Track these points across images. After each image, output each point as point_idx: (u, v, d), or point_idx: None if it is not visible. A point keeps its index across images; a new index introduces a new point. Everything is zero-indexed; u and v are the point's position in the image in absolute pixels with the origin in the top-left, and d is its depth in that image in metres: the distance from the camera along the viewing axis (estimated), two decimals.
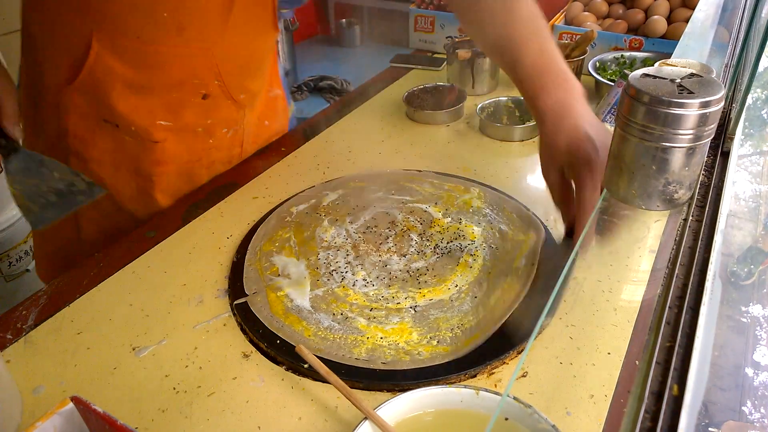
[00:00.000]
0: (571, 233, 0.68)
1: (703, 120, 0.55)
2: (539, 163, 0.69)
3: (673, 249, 0.68)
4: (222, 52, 0.81)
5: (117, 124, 0.79)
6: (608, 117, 0.92)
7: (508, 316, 0.60)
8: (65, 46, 0.75)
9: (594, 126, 0.62)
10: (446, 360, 0.57)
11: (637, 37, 1.18)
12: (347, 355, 0.58)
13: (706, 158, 0.75)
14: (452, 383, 0.55)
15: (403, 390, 0.50)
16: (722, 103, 0.56)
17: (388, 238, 0.74)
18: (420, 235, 0.75)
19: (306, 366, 0.56)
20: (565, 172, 0.65)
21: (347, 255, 0.71)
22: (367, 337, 0.60)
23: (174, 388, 0.57)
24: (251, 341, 0.62)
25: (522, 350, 0.59)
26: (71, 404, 0.41)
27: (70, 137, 0.80)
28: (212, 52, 0.80)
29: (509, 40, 0.67)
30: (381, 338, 0.60)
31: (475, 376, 0.56)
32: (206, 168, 0.91)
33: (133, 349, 0.61)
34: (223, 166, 0.94)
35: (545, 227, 0.75)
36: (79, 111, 0.79)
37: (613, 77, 1.11)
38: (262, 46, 0.89)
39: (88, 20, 0.73)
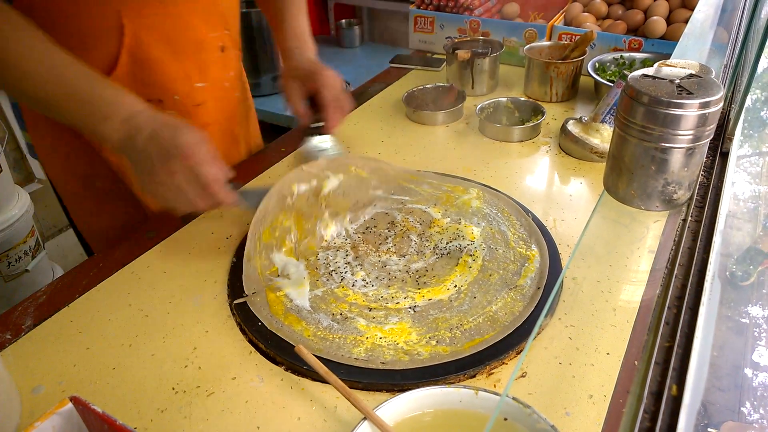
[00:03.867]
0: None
1: (702, 120, 0.55)
2: (539, 163, 0.69)
3: (672, 249, 0.68)
4: (226, 1, 0.88)
5: (161, 99, 0.83)
6: (607, 117, 0.92)
7: (511, 331, 0.60)
8: (98, 38, 0.76)
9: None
10: (445, 360, 0.57)
11: (636, 38, 1.18)
12: (346, 355, 0.58)
13: (705, 159, 0.75)
14: (451, 383, 0.55)
15: (402, 390, 0.50)
16: (721, 104, 0.56)
17: (387, 238, 0.74)
18: (419, 235, 0.75)
19: (305, 367, 0.56)
20: (303, 87, 0.85)
21: (347, 255, 0.71)
22: (366, 337, 0.60)
23: (173, 388, 0.57)
24: (250, 341, 0.62)
25: (521, 350, 0.59)
26: (70, 404, 0.41)
27: None
28: (219, 3, 0.87)
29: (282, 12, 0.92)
30: (380, 338, 0.60)
31: (474, 376, 0.56)
32: (241, 126, 1.00)
33: (132, 349, 0.61)
34: (254, 125, 1.06)
35: (544, 232, 0.75)
36: None
37: (613, 78, 1.12)
38: None
39: (115, 1, 0.74)
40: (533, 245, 0.72)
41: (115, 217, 0.91)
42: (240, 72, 0.98)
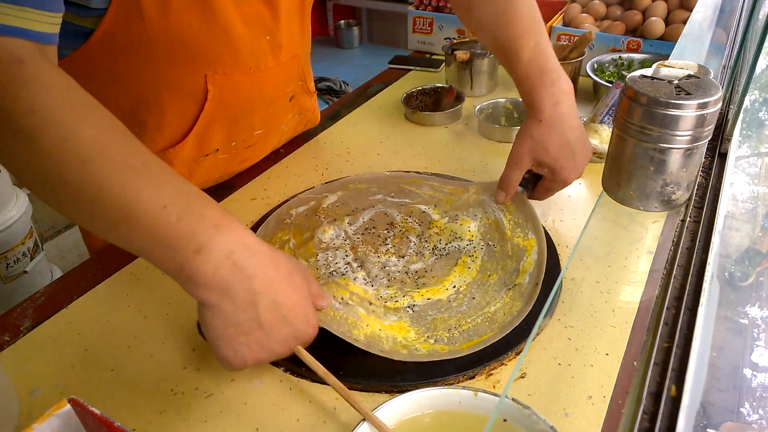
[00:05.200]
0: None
1: (700, 121, 0.55)
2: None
3: (671, 250, 0.68)
4: (303, 53, 0.87)
5: (218, 149, 0.83)
6: (606, 118, 0.92)
7: (509, 332, 0.60)
8: (180, 99, 0.75)
9: (576, 130, 0.70)
10: (443, 358, 0.57)
11: (634, 39, 1.18)
12: (347, 333, 0.58)
13: (703, 159, 0.75)
14: (450, 384, 0.55)
15: (402, 391, 0.50)
16: (720, 105, 0.56)
17: (386, 239, 0.74)
18: (418, 236, 0.75)
19: (304, 368, 0.56)
20: (535, 167, 0.72)
21: (346, 256, 0.71)
22: (366, 324, 0.60)
23: (172, 390, 0.57)
24: None
25: (520, 351, 0.59)
26: (68, 406, 0.41)
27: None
28: (299, 57, 0.85)
29: (507, 38, 0.72)
30: (379, 329, 0.60)
31: (473, 377, 0.56)
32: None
33: (131, 351, 0.61)
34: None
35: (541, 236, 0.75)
36: (183, 158, 0.80)
37: (611, 79, 1.12)
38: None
39: (202, 66, 0.72)
40: (530, 233, 0.72)
41: None
42: (304, 111, 0.98)
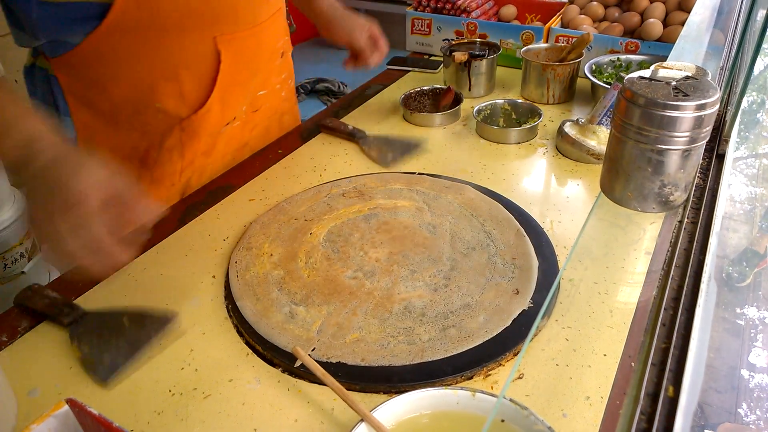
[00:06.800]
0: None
1: (698, 122, 0.56)
2: (535, 165, 0.69)
3: (668, 251, 0.68)
4: (282, 8, 0.95)
5: (235, 118, 0.92)
6: (604, 120, 0.92)
7: (508, 333, 0.60)
8: (194, 66, 0.80)
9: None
10: (440, 357, 0.57)
11: (633, 40, 1.18)
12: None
13: (701, 161, 0.75)
14: (448, 385, 0.55)
15: (400, 392, 0.50)
16: (717, 106, 0.56)
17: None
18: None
19: (302, 367, 0.56)
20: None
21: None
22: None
23: (170, 391, 0.57)
24: (247, 343, 0.62)
25: (518, 352, 0.59)
26: (66, 407, 0.41)
27: (199, 155, 0.90)
28: (282, 11, 0.94)
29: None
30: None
31: (471, 377, 0.56)
32: (281, 125, 1.09)
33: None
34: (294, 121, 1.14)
35: (541, 233, 0.75)
36: (208, 129, 0.87)
37: (609, 80, 1.12)
38: None
39: (209, 31, 0.78)
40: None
41: None
42: (290, 73, 1.06)
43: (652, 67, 0.61)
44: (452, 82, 1.18)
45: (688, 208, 0.71)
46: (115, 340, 0.60)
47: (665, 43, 1.17)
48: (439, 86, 1.15)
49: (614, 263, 0.71)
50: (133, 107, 0.80)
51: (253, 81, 0.92)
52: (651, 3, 1.23)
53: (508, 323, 0.61)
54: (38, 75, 0.78)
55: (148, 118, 0.81)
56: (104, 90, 0.78)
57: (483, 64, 1.15)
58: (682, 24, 1.16)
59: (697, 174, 0.76)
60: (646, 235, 0.74)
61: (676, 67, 0.61)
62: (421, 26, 1.41)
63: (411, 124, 1.09)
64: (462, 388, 0.48)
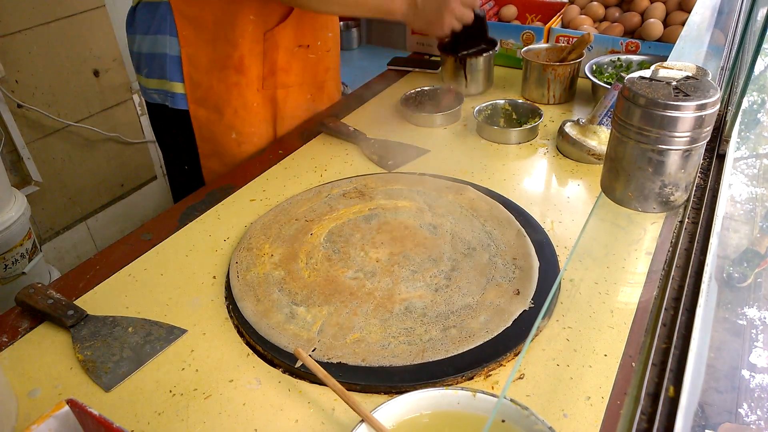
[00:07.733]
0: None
1: (699, 122, 0.56)
2: (536, 165, 0.69)
3: (669, 251, 0.68)
4: None
5: (308, 45, 1.07)
6: (605, 120, 0.92)
7: (508, 333, 0.60)
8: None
9: None
10: (441, 357, 0.57)
11: (633, 40, 1.18)
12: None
13: (701, 161, 0.75)
14: (449, 385, 0.55)
15: (400, 392, 0.50)
16: (718, 106, 0.56)
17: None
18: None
19: (302, 368, 0.56)
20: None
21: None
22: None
23: (170, 391, 0.57)
24: (248, 344, 0.62)
25: (519, 352, 0.59)
26: (67, 407, 0.41)
27: (278, 70, 1.04)
28: None
29: None
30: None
31: (472, 378, 0.56)
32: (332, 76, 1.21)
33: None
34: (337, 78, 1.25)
35: (541, 233, 0.75)
36: (285, 44, 1.02)
37: (610, 80, 1.12)
38: None
39: None
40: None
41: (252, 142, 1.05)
42: (337, 56, 1.20)
43: (653, 67, 0.61)
44: (450, 78, 1.18)
45: (689, 208, 0.71)
46: (119, 349, 0.61)
47: (665, 43, 1.17)
48: (439, 86, 1.15)
49: (615, 263, 0.71)
50: (230, 21, 0.96)
51: (319, 20, 1.07)
52: (651, 3, 1.23)
53: (509, 323, 0.61)
54: (146, 9, 0.98)
55: (240, 31, 0.97)
56: (207, 4, 0.95)
57: (480, 61, 1.14)
58: (683, 24, 1.16)
59: (698, 174, 0.76)
60: (647, 235, 0.74)
61: (676, 67, 0.61)
62: None
63: (411, 124, 1.09)
64: (462, 389, 0.48)
